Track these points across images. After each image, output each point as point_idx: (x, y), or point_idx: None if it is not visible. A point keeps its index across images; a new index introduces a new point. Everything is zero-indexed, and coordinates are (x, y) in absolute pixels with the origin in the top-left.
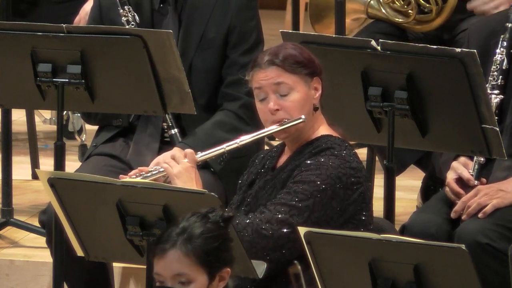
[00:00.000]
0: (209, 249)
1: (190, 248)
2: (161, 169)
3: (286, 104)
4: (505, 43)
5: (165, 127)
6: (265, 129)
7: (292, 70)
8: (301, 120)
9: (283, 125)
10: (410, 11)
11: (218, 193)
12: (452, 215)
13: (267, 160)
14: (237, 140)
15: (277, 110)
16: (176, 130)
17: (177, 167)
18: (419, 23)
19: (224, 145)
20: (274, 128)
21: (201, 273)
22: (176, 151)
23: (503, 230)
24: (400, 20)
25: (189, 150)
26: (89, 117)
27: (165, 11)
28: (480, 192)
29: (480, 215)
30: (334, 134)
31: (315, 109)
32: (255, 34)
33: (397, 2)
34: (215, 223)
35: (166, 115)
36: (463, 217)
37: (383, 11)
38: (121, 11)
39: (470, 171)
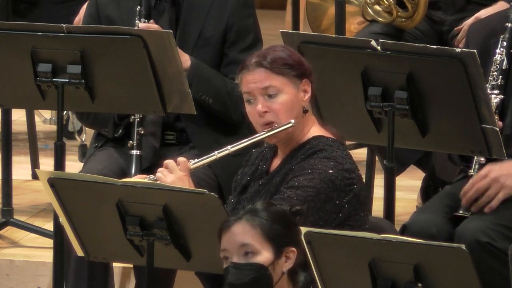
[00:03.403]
0: (274, 225)
1: (257, 221)
2: (154, 178)
3: (274, 106)
4: (505, 43)
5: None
6: (255, 135)
7: (280, 72)
8: (290, 125)
9: (272, 130)
10: (392, 9)
11: (213, 187)
12: (461, 195)
13: (260, 161)
14: (229, 147)
15: (265, 112)
16: (138, 151)
17: (171, 176)
18: (403, 20)
19: (216, 152)
20: (264, 133)
21: (266, 247)
22: (169, 161)
23: (503, 229)
24: (386, 19)
25: (182, 159)
26: (81, 118)
27: (161, 9)
28: (490, 178)
29: (486, 209)
30: (326, 134)
31: (305, 111)
32: (253, 32)
33: (381, 2)
34: (281, 209)
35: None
36: (473, 208)
37: (370, 11)
38: (136, 21)
39: (471, 171)
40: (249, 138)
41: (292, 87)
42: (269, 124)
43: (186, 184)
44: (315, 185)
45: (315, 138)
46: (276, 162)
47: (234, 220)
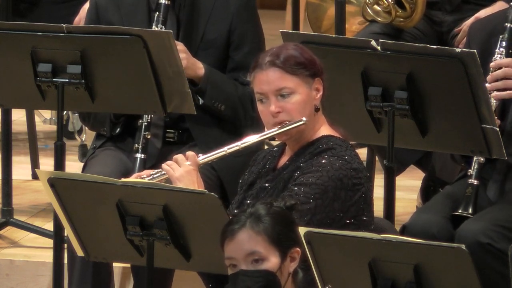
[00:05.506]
0: (278, 227)
1: (261, 226)
2: (163, 172)
3: (287, 106)
4: (504, 43)
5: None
6: (266, 132)
7: (293, 71)
8: (302, 123)
9: (284, 127)
10: (391, 9)
11: (213, 187)
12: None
13: (268, 160)
14: (239, 143)
15: (278, 112)
16: (143, 155)
17: (179, 170)
18: (401, 20)
19: (226, 148)
20: (275, 130)
21: (273, 252)
22: (178, 155)
23: (504, 230)
24: (386, 19)
25: (190, 153)
26: (84, 119)
27: None
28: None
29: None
30: (335, 134)
31: (316, 110)
32: (257, 34)
33: (380, 2)
34: (279, 207)
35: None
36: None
37: (369, 11)
38: (154, 27)
39: (470, 171)
40: (260, 135)
41: (305, 87)
42: (282, 124)
43: (194, 178)
44: (323, 182)
45: (325, 137)
46: (283, 160)
47: (238, 227)
